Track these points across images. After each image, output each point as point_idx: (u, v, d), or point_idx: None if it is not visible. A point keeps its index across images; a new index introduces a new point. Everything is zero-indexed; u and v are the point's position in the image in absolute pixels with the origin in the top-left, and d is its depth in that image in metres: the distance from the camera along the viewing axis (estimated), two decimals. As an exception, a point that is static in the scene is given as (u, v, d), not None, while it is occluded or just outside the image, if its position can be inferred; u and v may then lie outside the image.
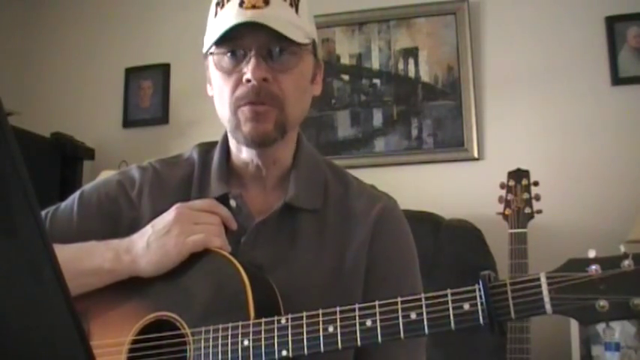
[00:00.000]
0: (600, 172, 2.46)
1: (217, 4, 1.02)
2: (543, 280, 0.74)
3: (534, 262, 1.95)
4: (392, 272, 1.06)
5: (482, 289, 0.77)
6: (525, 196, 1.99)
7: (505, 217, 2.00)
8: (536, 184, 2.01)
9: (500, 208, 2.01)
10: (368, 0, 2.78)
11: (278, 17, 0.97)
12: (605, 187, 2.43)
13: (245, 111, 0.99)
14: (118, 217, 1.09)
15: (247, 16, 0.96)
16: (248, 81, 0.97)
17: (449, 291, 0.79)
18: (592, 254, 0.75)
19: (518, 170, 2.04)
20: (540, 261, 2.10)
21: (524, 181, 2.01)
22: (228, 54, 0.99)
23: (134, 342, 0.96)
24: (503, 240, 1.97)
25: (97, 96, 3.03)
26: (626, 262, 0.72)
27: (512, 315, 0.76)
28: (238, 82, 0.99)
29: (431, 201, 2.23)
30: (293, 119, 1.03)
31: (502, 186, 2.03)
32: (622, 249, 0.73)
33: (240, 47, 0.98)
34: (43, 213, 1.12)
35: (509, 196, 2.01)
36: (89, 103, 3.02)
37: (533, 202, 1.98)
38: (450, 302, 0.79)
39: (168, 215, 0.98)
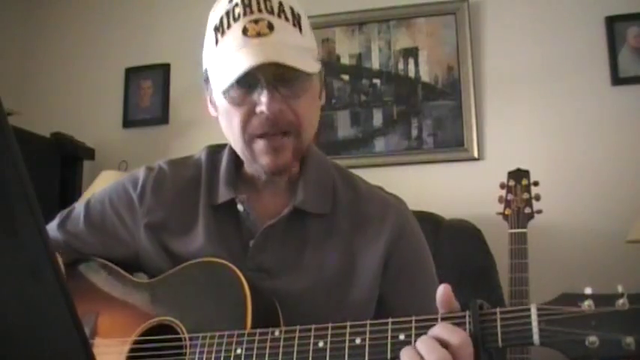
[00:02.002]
0: (600, 172, 2.46)
1: (216, 30, 0.98)
2: (534, 311, 0.74)
3: (534, 262, 1.94)
4: (416, 277, 1.07)
5: (471, 315, 0.77)
6: (525, 196, 1.99)
7: (505, 217, 1.99)
8: (536, 184, 2.00)
9: (500, 208, 2.01)
10: (368, 0, 2.78)
11: (286, 44, 0.94)
12: (605, 187, 2.43)
13: (261, 144, 0.97)
14: (117, 228, 1.11)
15: (257, 51, 0.92)
16: (262, 112, 0.95)
17: (439, 315, 0.79)
18: (588, 291, 0.73)
19: (518, 170, 2.04)
20: (540, 261, 2.11)
21: (524, 181, 2.01)
22: (234, 84, 0.95)
23: (135, 343, 0.97)
24: (504, 240, 1.97)
25: (97, 96, 3.03)
26: (620, 301, 0.70)
27: (500, 343, 0.75)
28: (250, 114, 0.96)
29: (431, 201, 2.23)
30: (308, 140, 1.03)
31: (502, 186, 2.03)
32: (620, 289, 0.71)
33: (248, 77, 0.94)
34: (57, 217, 1.16)
35: (510, 196, 2.00)
36: (89, 103, 3.02)
37: (533, 202, 1.98)
38: (439, 321, 0.79)
39: None
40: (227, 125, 1.02)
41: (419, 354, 0.76)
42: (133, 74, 3.01)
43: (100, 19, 3.09)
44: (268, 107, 0.94)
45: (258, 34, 0.94)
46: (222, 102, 1.00)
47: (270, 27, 0.94)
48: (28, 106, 2.86)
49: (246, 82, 0.95)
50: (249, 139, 0.98)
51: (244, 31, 0.94)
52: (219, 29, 0.98)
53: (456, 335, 0.76)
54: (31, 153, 2.48)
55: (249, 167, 1.06)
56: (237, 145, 1.02)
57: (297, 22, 0.98)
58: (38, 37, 3.15)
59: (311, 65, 0.97)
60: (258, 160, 0.99)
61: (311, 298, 0.99)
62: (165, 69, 2.98)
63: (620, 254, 2.25)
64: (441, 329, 0.77)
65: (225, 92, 0.97)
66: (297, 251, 1.04)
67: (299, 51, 0.96)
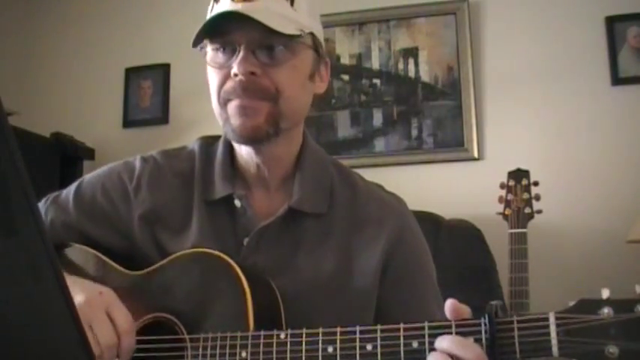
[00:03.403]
0: (600, 172, 2.45)
1: (214, 0, 1.00)
2: (552, 321, 0.72)
3: (534, 262, 1.95)
4: (416, 282, 1.05)
5: (487, 324, 0.74)
6: (525, 196, 1.99)
7: (505, 217, 2.00)
8: (536, 184, 2.01)
9: (500, 208, 2.01)
10: (368, 0, 2.78)
11: (268, 10, 0.94)
12: (605, 187, 2.43)
13: (233, 105, 0.96)
14: (110, 216, 1.08)
15: (236, 8, 0.94)
16: (235, 75, 0.95)
17: (453, 322, 0.76)
18: (605, 294, 0.71)
19: (518, 170, 2.04)
20: (540, 261, 2.11)
21: (524, 181, 2.01)
22: (221, 49, 0.97)
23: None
24: (503, 240, 1.97)
25: (97, 96, 3.03)
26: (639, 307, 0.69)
27: (518, 355, 0.73)
28: (227, 77, 0.97)
29: (431, 201, 2.23)
30: (289, 115, 0.99)
31: (502, 186, 2.03)
32: (638, 290, 0.69)
33: (231, 42, 0.96)
34: (42, 200, 1.13)
35: (509, 196, 2.01)
36: (89, 103, 3.02)
37: (533, 202, 1.98)
38: (453, 334, 0.76)
39: (85, 293, 0.89)
40: (211, 93, 1.01)
41: None
42: (133, 74, 3.01)
43: (100, 19, 3.09)
44: (239, 68, 0.94)
45: (244, 0, 0.95)
46: (209, 70, 1.01)
47: None
48: (28, 106, 2.86)
49: (230, 48, 0.96)
50: (223, 102, 0.98)
51: None
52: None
53: (469, 351, 0.73)
54: (31, 153, 2.48)
55: (224, 130, 1.03)
56: (215, 110, 1.01)
57: None
58: (38, 37, 3.15)
59: (289, 29, 0.95)
60: (231, 122, 0.98)
61: (306, 300, 0.98)
62: (165, 69, 2.98)
63: (620, 254, 2.25)
64: (452, 343, 0.74)
65: (211, 59, 0.98)
66: (292, 252, 1.02)
67: (280, 18, 0.95)
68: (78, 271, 1.05)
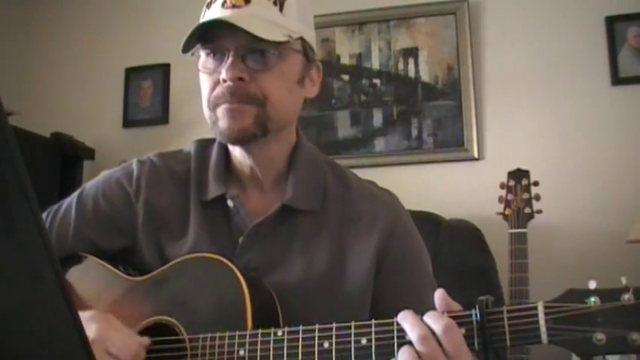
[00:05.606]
0: (600, 172, 2.46)
1: (206, 6, 1.03)
2: (540, 309, 0.74)
3: (534, 262, 1.95)
4: (411, 276, 1.06)
5: (478, 314, 0.77)
6: (525, 196, 1.99)
7: (505, 217, 1.99)
8: (536, 184, 2.01)
9: (500, 208, 2.01)
10: (368, 0, 2.78)
11: (256, 16, 0.96)
12: (605, 187, 2.43)
13: (221, 109, 0.99)
14: (114, 220, 1.09)
15: (224, 15, 0.96)
16: (224, 81, 0.97)
17: (445, 314, 0.79)
18: (592, 285, 0.74)
19: (518, 170, 2.04)
20: (540, 261, 2.11)
21: (524, 181, 2.01)
22: (211, 55, 1.00)
23: None
24: (503, 240, 1.97)
25: (97, 96, 3.03)
26: (626, 296, 0.71)
27: (508, 342, 0.75)
28: (217, 82, 0.99)
29: (431, 201, 2.23)
30: (276, 118, 1.00)
31: (502, 186, 2.03)
32: (623, 281, 0.72)
33: (220, 48, 0.98)
34: (44, 213, 1.13)
35: (509, 196, 2.00)
36: (89, 103, 3.02)
37: (533, 202, 1.98)
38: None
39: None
40: (203, 97, 1.03)
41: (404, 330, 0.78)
42: (133, 74, 3.01)
43: (100, 19, 3.09)
44: (227, 74, 0.96)
45: (233, 6, 0.98)
46: (201, 75, 1.03)
47: (247, 1, 0.98)
48: (28, 106, 2.86)
49: (219, 53, 0.98)
50: (212, 107, 1.00)
51: (223, 3, 0.99)
52: (208, 4, 1.03)
53: (440, 321, 0.76)
54: (31, 153, 2.48)
55: (213, 132, 1.04)
56: (205, 113, 1.03)
57: (278, 1, 1.00)
58: (38, 38, 3.15)
59: (276, 35, 0.97)
60: (219, 125, 1.00)
61: (301, 296, 0.99)
62: (165, 69, 2.98)
63: (621, 254, 2.25)
64: (427, 316, 0.78)
65: (202, 64, 1.01)
66: (286, 249, 1.03)
67: (268, 24, 0.97)
68: (82, 282, 1.06)
